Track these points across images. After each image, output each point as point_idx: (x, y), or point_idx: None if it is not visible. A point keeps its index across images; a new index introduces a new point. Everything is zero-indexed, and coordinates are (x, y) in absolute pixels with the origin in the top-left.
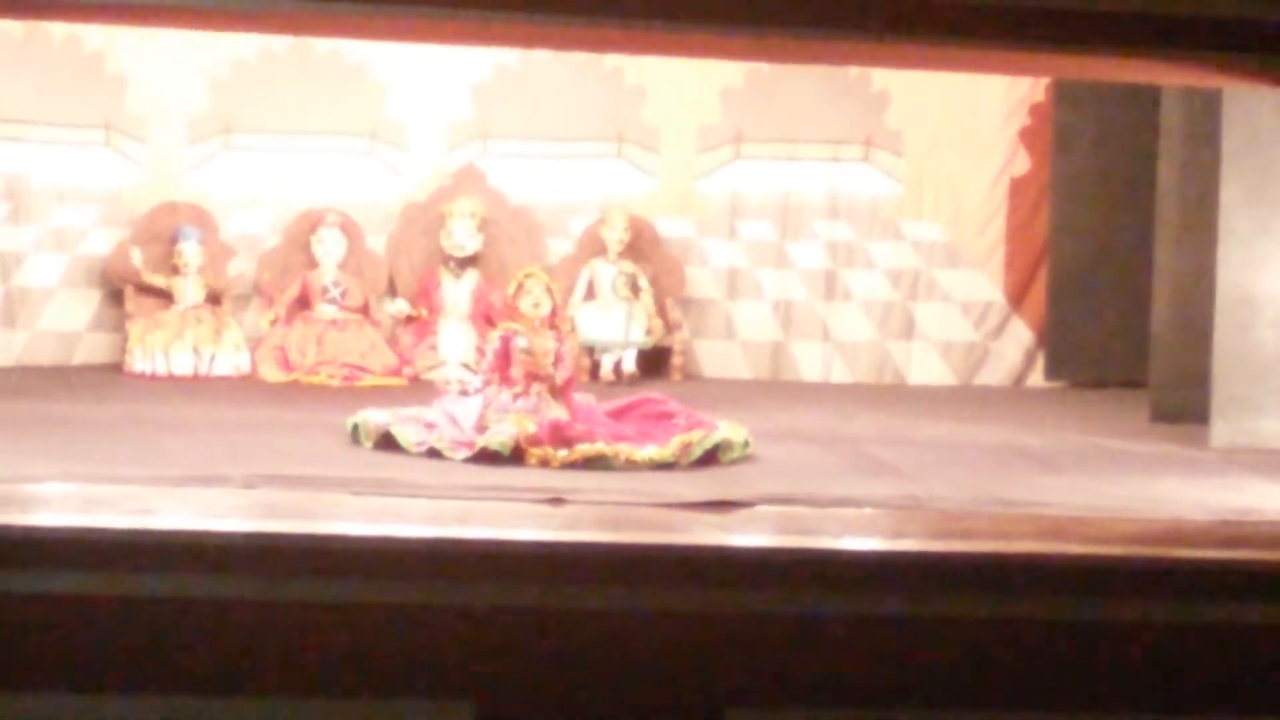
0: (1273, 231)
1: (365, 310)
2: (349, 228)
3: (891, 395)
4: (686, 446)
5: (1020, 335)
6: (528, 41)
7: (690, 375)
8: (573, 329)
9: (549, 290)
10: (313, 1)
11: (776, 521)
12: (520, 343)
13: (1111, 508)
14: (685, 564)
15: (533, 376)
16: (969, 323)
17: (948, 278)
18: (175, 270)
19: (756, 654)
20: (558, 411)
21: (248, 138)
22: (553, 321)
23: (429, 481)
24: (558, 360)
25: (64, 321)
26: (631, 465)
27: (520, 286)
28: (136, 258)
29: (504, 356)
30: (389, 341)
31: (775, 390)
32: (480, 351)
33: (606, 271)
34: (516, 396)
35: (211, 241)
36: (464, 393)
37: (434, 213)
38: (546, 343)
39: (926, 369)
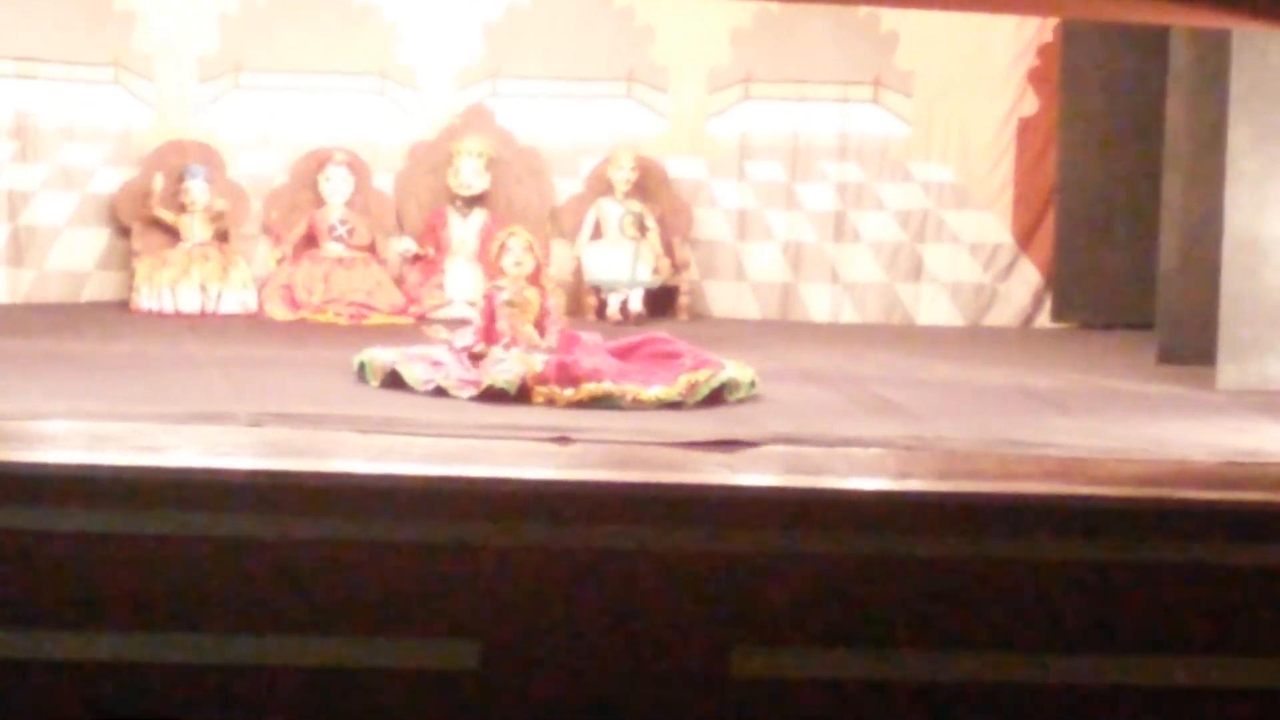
0: None
1: (372, 249)
2: (356, 166)
3: (900, 336)
4: (693, 386)
5: (1029, 276)
6: None
7: (698, 315)
8: (576, 271)
9: (530, 248)
10: None
11: (783, 461)
12: (503, 295)
13: (1118, 449)
14: (692, 503)
15: (516, 332)
16: (977, 264)
17: (956, 219)
18: (182, 208)
19: (763, 593)
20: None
21: (257, 76)
22: (536, 279)
23: (435, 420)
24: (543, 315)
25: (71, 260)
26: (638, 404)
27: (503, 246)
28: (158, 183)
29: (489, 315)
30: (396, 280)
31: (783, 330)
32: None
33: (613, 211)
34: (507, 346)
35: (219, 180)
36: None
37: (442, 152)
38: (529, 295)
39: (935, 310)
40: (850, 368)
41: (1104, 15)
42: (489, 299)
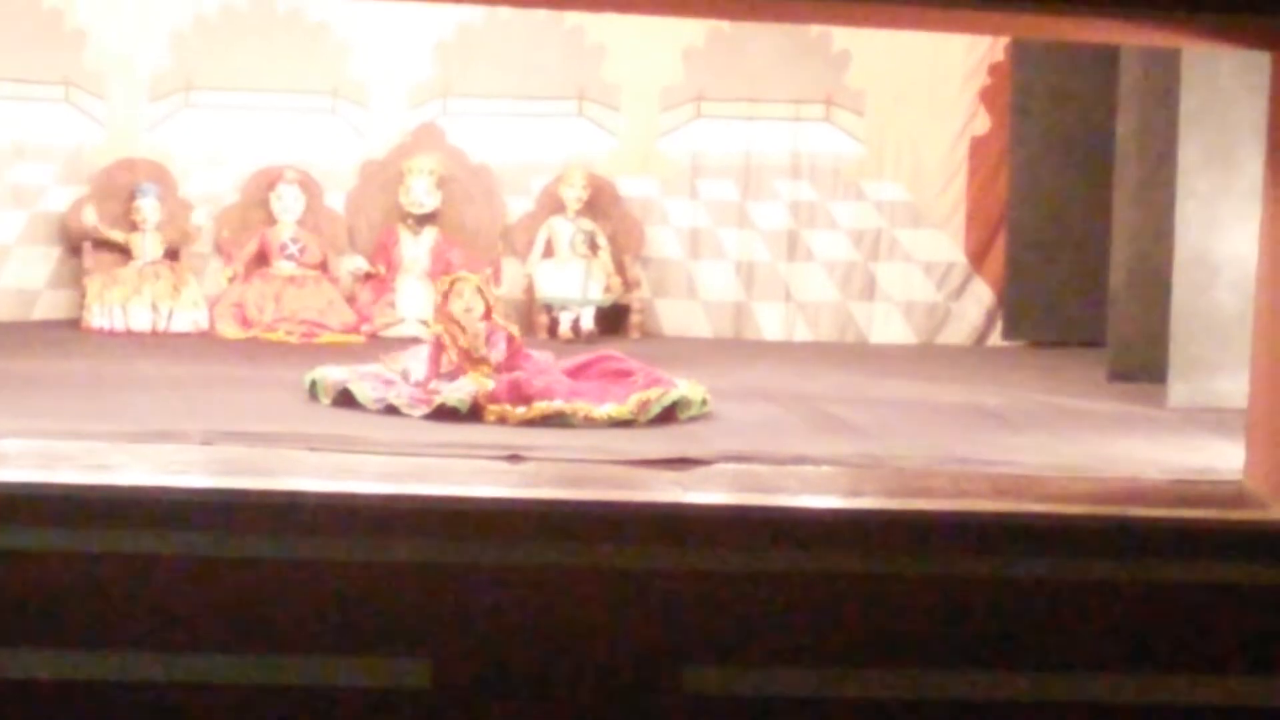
0: (1231, 192)
1: (324, 267)
2: (308, 184)
3: (853, 355)
4: (645, 404)
5: (981, 295)
6: None
7: (650, 334)
8: (528, 289)
9: (479, 291)
10: None
11: (734, 479)
12: (437, 329)
13: (1069, 466)
14: (643, 521)
15: (471, 362)
16: (930, 282)
17: (909, 237)
18: (133, 226)
19: (714, 611)
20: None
21: (208, 95)
22: (487, 317)
23: (387, 438)
24: (490, 344)
25: (22, 278)
26: (590, 422)
27: (450, 289)
28: (90, 216)
29: (435, 360)
30: (347, 298)
31: (736, 349)
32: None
33: (565, 229)
34: (454, 376)
35: (170, 198)
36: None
37: (393, 170)
38: (476, 327)
39: (888, 329)
40: (803, 386)
41: (1054, 34)
42: (436, 345)
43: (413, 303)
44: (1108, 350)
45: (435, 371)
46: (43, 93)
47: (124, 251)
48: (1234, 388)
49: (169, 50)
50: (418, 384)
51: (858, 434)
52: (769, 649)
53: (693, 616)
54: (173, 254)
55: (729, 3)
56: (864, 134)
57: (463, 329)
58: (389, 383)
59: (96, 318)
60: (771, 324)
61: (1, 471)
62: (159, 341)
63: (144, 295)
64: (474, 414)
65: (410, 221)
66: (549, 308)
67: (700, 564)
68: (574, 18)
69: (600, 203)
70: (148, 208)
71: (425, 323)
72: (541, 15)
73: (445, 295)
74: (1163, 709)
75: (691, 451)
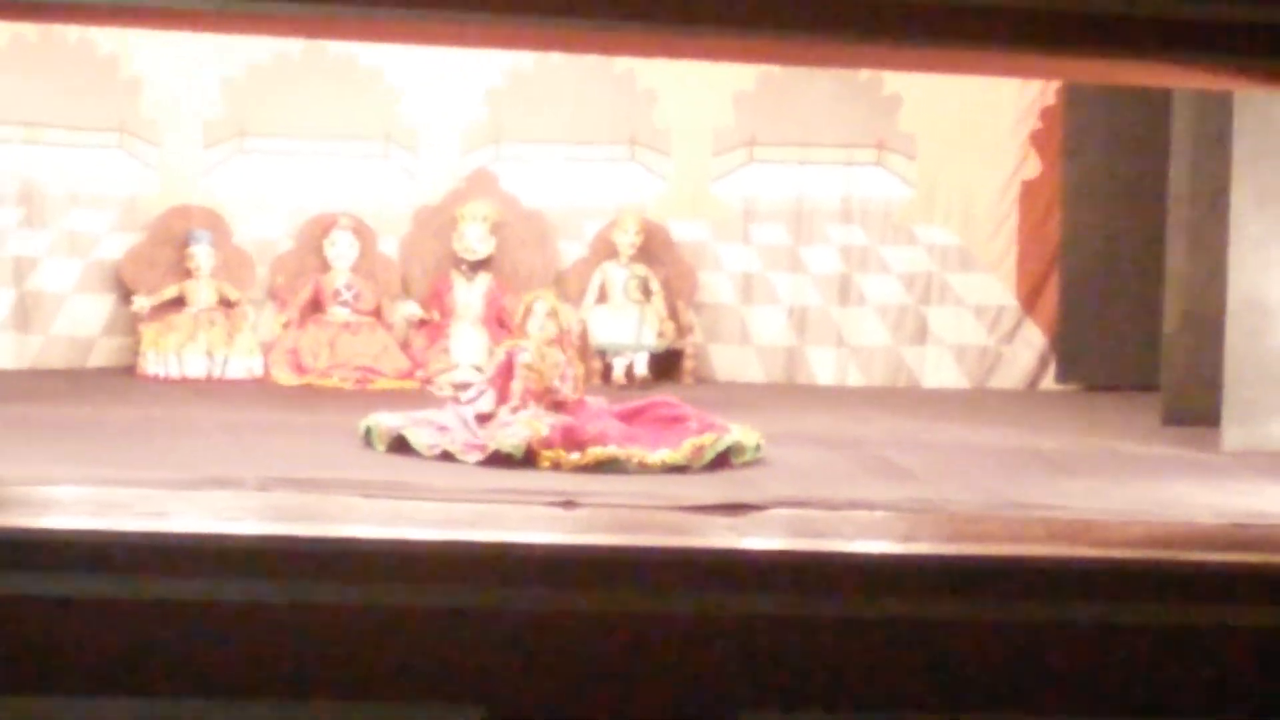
0: None
1: (378, 313)
2: (361, 231)
3: (905, 399)
4: (699, 449)
5: (1033, 338)
6: (540, 44)
7: (703, 379)
8: (583, 342)
9: (554, 314)
10: (325, 4)
11: (789, 524)
12: (524, 358)
13: (1124, 511)
14: (698, 567)
15: (534, 395)
16: (982, 326)
17: (960, 281)
18: (187, 274)
19: (769, 658)
20: (565, 418)
21: (262, 141)
22: (561, 344)
23: (441, 484)
24: (563, 378)
25: (78, 325)
26: (644, 468)
27: (528, 309)
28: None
29: (506, 371)
30: (401, 345)
31: (788, 394)
32: (491, 358)
33: (618, 274)
34: (515, 410)
35: (224, 245)
36: (455, 400)
37: (446, 216)
38: (555, 355)
39: (940, 373)
40: (856, 431)
41: (1107, 78)
42: (511, 354)
43: (467, 348)
44: (1162, 394)
45: (505, 397)
46: (98, 140)
47: (179, 301)
48: None
49: (222, 97)
50: (475, 409)
51: (911, 479)
52: (823, 695)
53: (747, 662)
54: (227, 301)
55: (780, 48)
56: (915, 178)
57: (539, 367)
58: (443, 429)
59: (151, 365)
60: (824, 368)
61: (57, 519)
62: (214, 388)
63: (199, 342)
64: (528, 460)
65: (464, 267)
66: (603, 353)
67: (755, 609)
68: (625, 62)
69: (653, 248)
70: (201, 255)
71: (479, 368)
72: (592, 60)
73: (523, 315)
74: None
75: (746, 497)
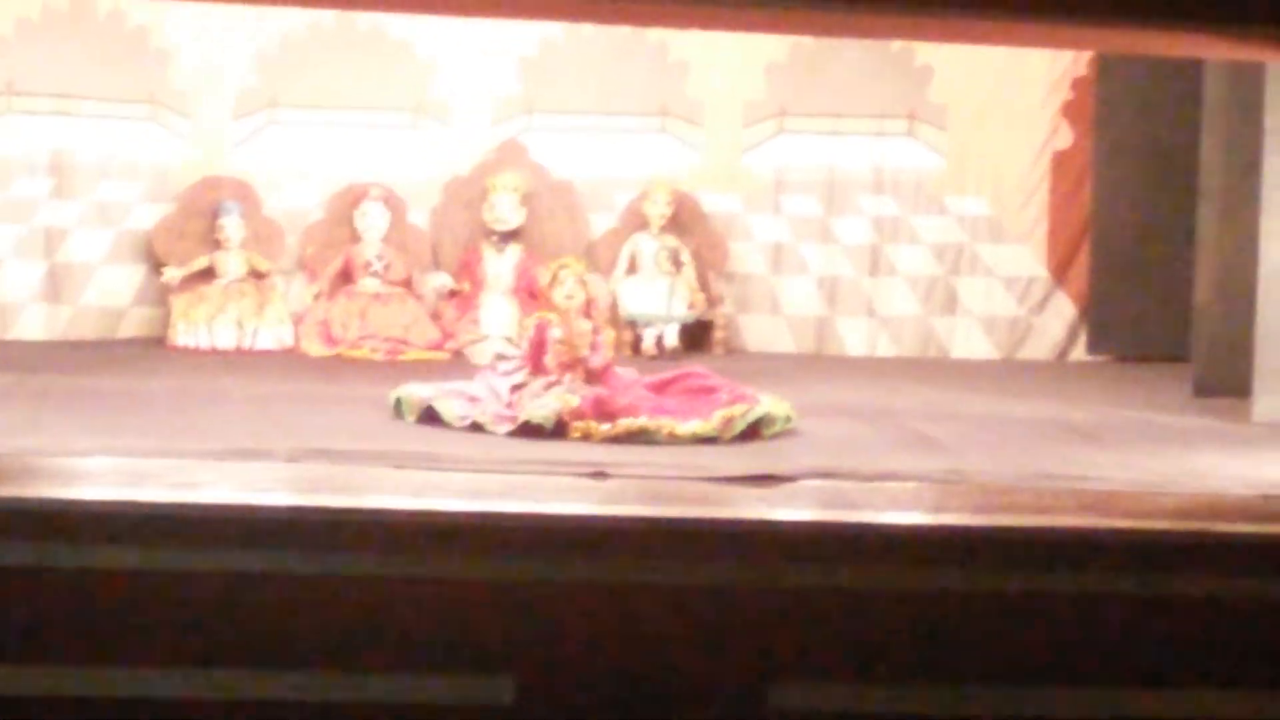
0: None
1: (408, 284)
2: (392, 202)
3: (935, 370)
4: (729, 420)
5: (1063, 309)
6: (573, 15)
7: (733, 350)
8: (612, 306)
9: (582, 281)
10: None
11: (819, 495)
12: (555, 333)
13: (1154, 482)
14: (728, 538)
15: (566, 366)
16: (1012, 297)
17: (991, 252)
18: (218, 245)
19: (799, 628)
20: (596, 390)
21: (293, 112)
22: (587, 312)
23: (472, 455)
24: (594, 348)
25: (108, 296)
26: (674, 439)
27: (554, 277)
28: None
29: (539, 345)
30: (431, 315)
31: (819, 364)
32: (522, 330)
33: (649, 246)
34: (550, 385)
35: (254, 216)
36: (493, 369)
37: (477, 187)
38: (583, 325)
39: (970, 343)
40: (886, 402)
41: (1139, 49)
42: (541, 329)
43: (497, 320)
44: (1192, 365)
45: (538, 370)
46: (128, 111)
47: (209, 272)
48: None
49: (254, 68)
50: (510, 380)
51: (942, 450)
52: (854, 666)
53: (778, 633)
54: (256, 272)
55: (812, 19)
56: (946, 148)
57: (569, 338)
58: (474, 400)
59: (182, 335)
60: (855, 339)
61: (88, 489)
62: (244, 359)
63: (229, 313)
64: (558, 431)
65: (494, 239)
66: (633, 324)
67: (785, 580)
68: (656, 34)
69: (683, 219)
70: (231, 226)
71: (510, 339)
72: (624, 31)
73: (550, 282)
74: None
75: (776, 468)
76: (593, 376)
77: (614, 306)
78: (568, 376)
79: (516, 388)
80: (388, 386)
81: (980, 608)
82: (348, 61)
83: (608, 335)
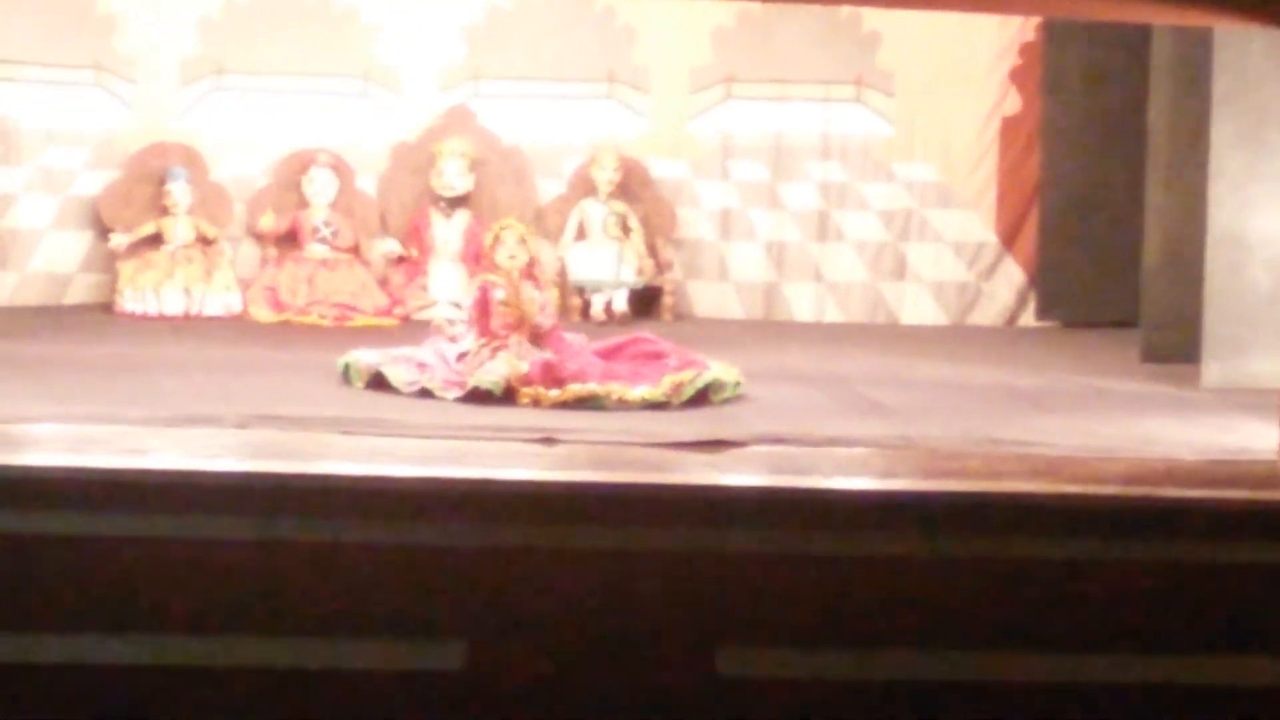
0: (1263, 172)
1: (356, 250)
2: (340, 168)
3: (884, 335)
4: (678, 386)
5: (1012, 275)
6: None
7: (682, 315)
8: (560, 273)
9: (523, 241)
10: None
11: (768, 461)
12: (498, 294)
13: (1103, 447)
14: (677, 503)
15: (511, 327)
16: (961, 263)
17: (940, 218)
18: (165, 211)
19: (748, 593)
20: (544, 355)
21: (239, 79)
22: (529, 272)
23: (421, 421)
24: (541, 309)
25: (55, 263)
26: (623, 405)
27: (496, 238)
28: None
29: (482, 307)
30: (380, 282)
31: (768, 330)
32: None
33: (597, 211)
34: (495, 350)
35: (201, 182)
36: (450, 339)
37: (424, 153)
38: (530, 291)
39: (919, 309)
40: (835, 367)
41: (1086, 13)
42: (484, 291)
43: (445, 285)
44: (1141, 330)
45: (485, 333)
46: (74, 77)
47: (156, 239)
48: (1268, 368)
49: (199, 34)
50: (460, 355)
51: (890, 415)
52: (802, 631)
53: (725, 598)
54: (204, 238)
55: None
56: (894, 114)
57: (515, 301)
58: (423, 366)
59: (129, 302)
60: (803, 305)
61: (34, 456)
62: (191, 325)
63: (176, 279)
64: (507, 397)
65: (442, 204)
66: (581, 290)
67: (733, 546)
68: (603, 0)
69: (631, 185)
70: (178, 192)
71: (458, 305)
72: None
73: (492, 243)
74: (1195, 690)
75: (725, 433)
76: (539, 338)
77: (562, 272)
78: (514, 338)
79: (463, 355)
80: (336, 352)
81: (929, 572)
82: (294, 28)
83: (551, 295)
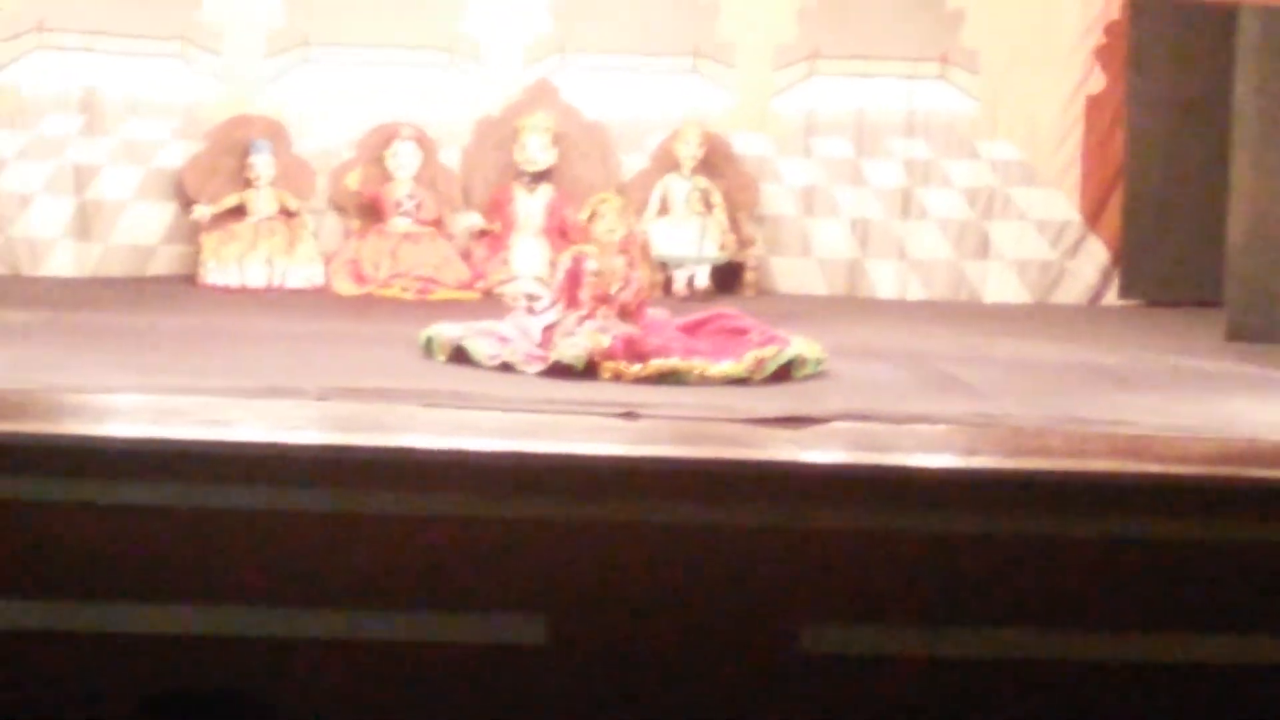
0: None
1: (439, 224)
2: (423, 141)
3: (967, 313)
4: (760, 362)
5: (1096, 254)
6: None
7: (764, 291)
8: (645, 253)
9: (622, 216)
10: None
11: (851, 437)
12: (590, 265)
13: (1187, 426)
14: (759, 479)
15: (600, 300)
16: (1045, 241)
17: (1023, 196)
18: (248, 183)
19: (830, 571)
20: (628, 329)
21: (324, 51)
22: (624, 246)
23: (502, 394)
24: (627, 284)
25: (138, 234)
26: (705, 380)
27: (594, 212)
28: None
29: (574, 278)
30: (462, 255)
31: (850, 307)
32: (554, 267)
33: (680, 187)
34: (582, 319)
35: (284, 155)
36: (530, 310)
37: (508, 127)
38: (615, 263)
39: (1002, 287)
40: (917, 345)
41: None
42: (577, 260)
43: (527, 260)
44: (1225, 310)
45: (573, 304)
46: (159, 48)
47: (240, 211)
48: None
49: (284, 6)
50: (542, 309)
51: (973, 393)
52: (885, 608)
53: (809, 575)
54: (287, 211)
55: None
56: (978, 92)
57: (603, 271)
58: (504, 340)
59: (212, 274)
60: (885, 282)
61: (117, 426)
62: (274, 298)
63: (259, 251)
64: (589, 371)
65: (525, 179)
66: (664, 266)
67: (816, 522)
68: None
69: (715, 160)
70: (262, 164)
71: (539, 279)
72: None
73: (590, 216)
74: None
75: (807, 410)
76: (626, 312)
77: (645, 248)
78: (601, 310)
79: (549, 328)
80: (418, 326)
81: (1010, 551)
82: (378, 1)
83: (642, 271)
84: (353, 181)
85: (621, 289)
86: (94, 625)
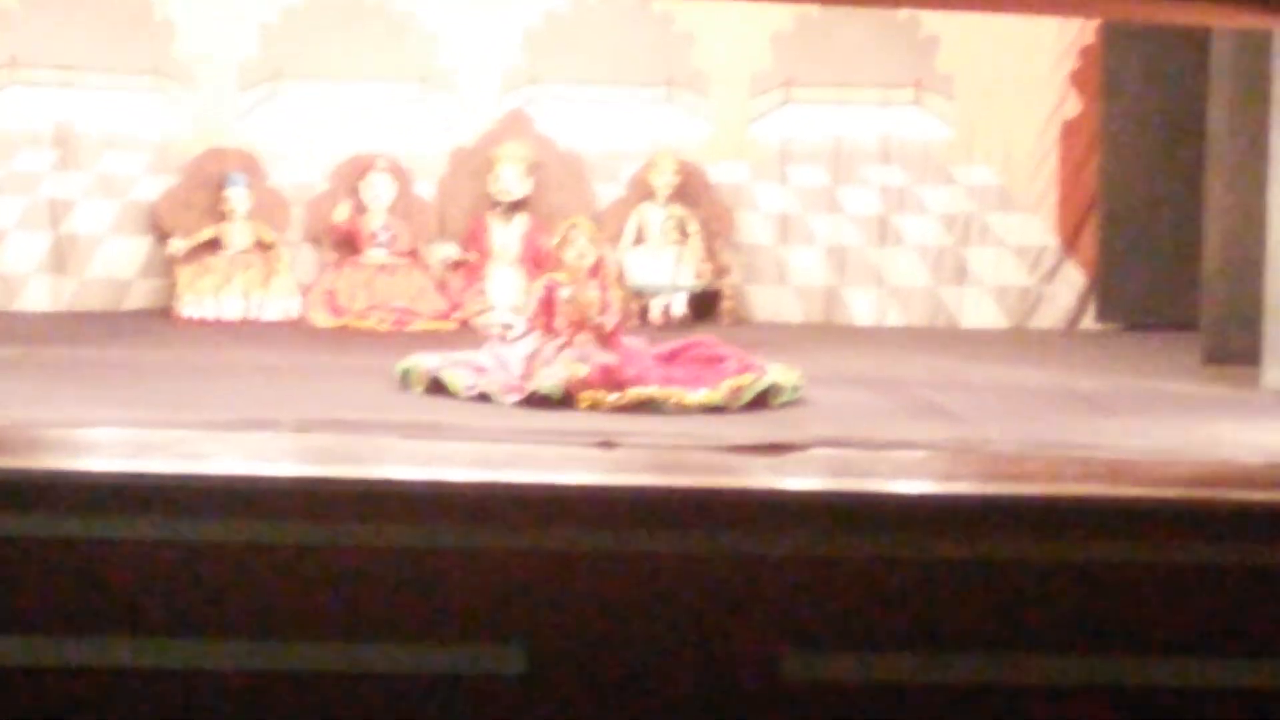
0: None
1: (414, 255)
2: (398, 173)
3: (944, 339)
4: (737, 390)
5: (1073, 278)
6: None
7: (740, 319)
8: (619, 277)
9: (592, 240)
10: None
11: (829, 464)
12: (563, 293)
13: (1164, 450)
14: (737, 507)
15: (577, 326)
16: (1022, 266)
17: (1000, 221)
18: (223, 216)
19: (809, 598)
20: (605, 358)
21: (297, 84)
22: (596, 271)
23: (479, 425)
24: (604, 309)
25: (114, 268)
26: (682, 408)
27: (564, 237)
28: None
29: (548, 306)
30: (438, 286)
31: (827, 334)
32: (528, 296)
33: (655, 215)
34: (560, 348)
35: (259, 187)
36: (503, 339)
37: (482, 158)
38: (591, 292)
39: (980, 313)
40: (895, 371)
41: (1145, 16)
42: (550, 289)
43: (504, 290)
44: (1202, 333)
45: (547, 326)
46: (132, 83)
47: (215, 244)
48: None
49: (257, 40)
50: (517, 337)
51: (951, 419)
52: (866, 635)
53: (788, 603)
54: (262, 244)
55: None
56: (954, 118)
57: (579, 300)
58: (480, 370)
59: (188, 307)
60: (863, 309)
61: (93, 460)
62: (250, 330)
63: (235, 284)
64: (566, 401)
65: (500, 209)
66: (640, 294)
67: (794, 550)
68: (661, 4)
69: (690, 189)
70: (236, 197)
71: (516, 309)
72: (629, 1)
73: (559, 242)
74: (1260, 693)
75: (785, 437)
76: (603, 338)
77: (621, 277)
78: (580, 336)
79: (531, 356)
80: (395, 357)
81: (990, 576)
82: (352, 32)
83: (616, 294)
84: (340, 215)
85: (602, 313)
86: (71, 661)
